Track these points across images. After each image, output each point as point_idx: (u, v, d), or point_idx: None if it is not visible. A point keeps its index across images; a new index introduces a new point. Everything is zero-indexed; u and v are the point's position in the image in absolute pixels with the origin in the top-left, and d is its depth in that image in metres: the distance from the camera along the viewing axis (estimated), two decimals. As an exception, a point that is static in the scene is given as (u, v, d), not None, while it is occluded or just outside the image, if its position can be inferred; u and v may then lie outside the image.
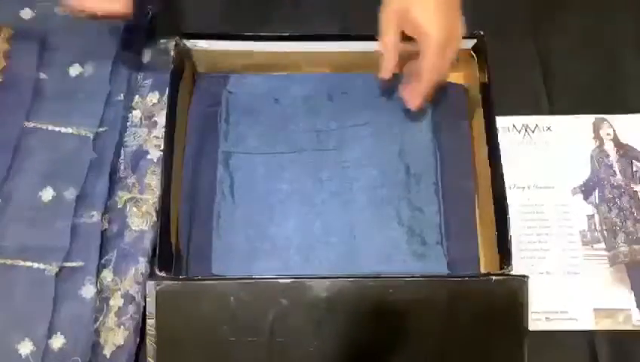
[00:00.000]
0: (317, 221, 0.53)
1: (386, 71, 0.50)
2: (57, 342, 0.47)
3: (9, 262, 0.48)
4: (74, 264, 0.49)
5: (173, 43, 0.54)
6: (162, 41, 0.59)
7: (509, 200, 0.48)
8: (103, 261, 0.50)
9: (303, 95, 0.58)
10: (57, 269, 0.48)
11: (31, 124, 0.52)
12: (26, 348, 0.46)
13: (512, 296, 0.45)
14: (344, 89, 0.58)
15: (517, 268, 0.46)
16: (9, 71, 0.54)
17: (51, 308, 0.47)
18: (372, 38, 0.55)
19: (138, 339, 0.49)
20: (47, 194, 0.50)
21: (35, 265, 0.48)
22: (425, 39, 0.47)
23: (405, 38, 0.48)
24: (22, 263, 0.48)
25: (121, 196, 0.53)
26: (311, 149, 0.56)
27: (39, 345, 0.46)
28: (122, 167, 0.54)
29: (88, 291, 0.48)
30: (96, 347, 0.47)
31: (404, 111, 0.56)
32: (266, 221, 0.53)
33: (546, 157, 0.57)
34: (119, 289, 0.49)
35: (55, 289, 0.47)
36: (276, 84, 0.58)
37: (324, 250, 0.52)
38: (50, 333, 0.46)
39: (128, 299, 0.49)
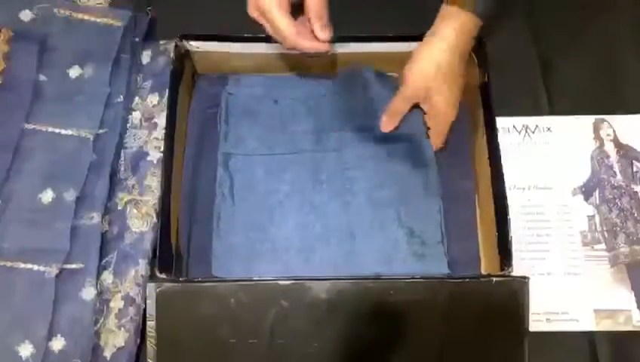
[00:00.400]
0: (317, 222, 0.53)
1: (386, 128, 0.54)
2: (58, 343, 0.47)
3: (9, 264, 0.48)
4: (74, 266, 0.48)
5: (173, 44, 0.54)
6: (162, 42, 0.59)
7: (509, 201, 0.48)
8: (103, 263, 0.50)
9: (303, 96, 0.58)
10: (57, 271, 0.48)
11: (31, 126, 0.52)
12: (26, 350, 0.46)
13: (512, 297, 0.45)
14: (344, 89, 0.58)
15: (517, 268, 0.46)
16: (9, 72, 0.53)
17: (51, 310, 0.47)
18: (371, 39, 0.55)
19: (138, 341, 0.49)
20: (47, 195, 0.50)
21: (35, 266, 0.48)
22: (441, 121, 0.53)
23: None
24: (22, 265, 0.48)
25: (122, 197, 0.53)
26: (311, 150, 0.56)
27: (39, 347, 0.46)
28: (122, 169, 0.54)
29: (88, 293, 0.48)
30: (96, 349, 0.47)
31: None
32: (265, 222, 0.53)
33: (546, 158, 0.57)
34: (119, 291, 0.49)
35: (55, 291, 0.47)
36: (275, 85, 0.58)
37: (324, 251, 0.52)
38: (50, 335, 0.46)
39: (128, 300, 0.49)
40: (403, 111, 0.54)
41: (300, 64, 0.58)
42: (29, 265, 0.48)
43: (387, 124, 0.54)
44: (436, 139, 0.54)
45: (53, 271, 0.48)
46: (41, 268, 0.48)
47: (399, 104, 0.53)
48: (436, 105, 0.52)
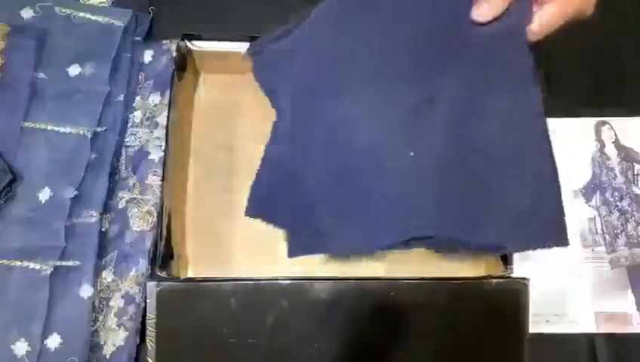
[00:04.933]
0: None
1: (484, 15, 0.43)
2: (53, 341, 0.46)
3: (6, 262, 0.48)
4: (70, 263, 0.48)
5: (175, 44, 0.54)
6: (164, 41, 0.59)
7: (510, 203, 0.48)
8: (103, 261, 0.50)
9: None
10: (52, 269, 0.47)
11: (29, 124, 0.52)
12: (21, 348, 0.46)
13: (512, 299, 0.45)
14: None
15: (517, 270, 0.46)
16: (6, 69, 0.53)
17: (46, 308, 0.46)
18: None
19: (138, 340, 0.49)
20: (45, 194, 0.50)
21: (31, 264, 0.47)
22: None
23: None
24: (18, 263, 0.48)
25: (122, 196, 0.53)
26: None
27: (35, 345, 0.46)
28: (123, 168, 0.54)
29: (85, 291, 0.48)
30: (95, 347, 0.47)
31: None
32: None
33: (547, 160, 0.57)
34: (119, 290, 0.49)
35: (51, 288, 0.47)
36: None
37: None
38: (46, 333, 0.46)
39: (128, 299, 0.49)
40: None
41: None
42: (25, 263, 0.48)
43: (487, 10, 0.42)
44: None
45: (48, 268, 0.47)
46: (37, 266, 0.47)
47: None
48: None
